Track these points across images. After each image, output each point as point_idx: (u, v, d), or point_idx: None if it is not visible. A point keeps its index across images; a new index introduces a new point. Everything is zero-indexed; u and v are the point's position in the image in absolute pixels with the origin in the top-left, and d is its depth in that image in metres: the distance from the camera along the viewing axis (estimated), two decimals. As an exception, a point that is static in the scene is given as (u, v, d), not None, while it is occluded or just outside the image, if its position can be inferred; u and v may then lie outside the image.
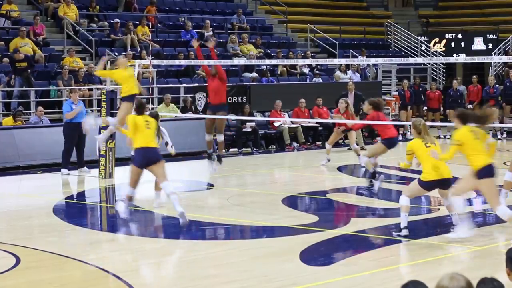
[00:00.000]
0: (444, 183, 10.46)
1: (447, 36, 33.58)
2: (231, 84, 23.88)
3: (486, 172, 10.18)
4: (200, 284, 8.47)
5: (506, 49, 30.82)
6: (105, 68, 16.00)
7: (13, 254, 9.82)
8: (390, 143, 14.87)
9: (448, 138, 25.22)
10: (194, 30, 27.37)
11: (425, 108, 25.61)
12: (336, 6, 36.18)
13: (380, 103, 15.07)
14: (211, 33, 27.53)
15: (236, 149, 21.36)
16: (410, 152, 10.61)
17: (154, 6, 27.80)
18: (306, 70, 27.56)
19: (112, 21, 26.05)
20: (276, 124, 22.48)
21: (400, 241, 10.47)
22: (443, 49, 33.03)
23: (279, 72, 26.98)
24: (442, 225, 11.47)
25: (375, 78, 28.52)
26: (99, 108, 17.74)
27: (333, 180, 16.78)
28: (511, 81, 25.91)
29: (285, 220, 11.85)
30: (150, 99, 23.28)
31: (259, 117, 22.13)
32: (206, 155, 16.07)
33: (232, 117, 20.74)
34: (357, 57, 28.86)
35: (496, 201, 10.29)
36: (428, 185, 10.45)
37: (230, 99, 21.98)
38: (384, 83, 28.50)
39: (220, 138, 15.49)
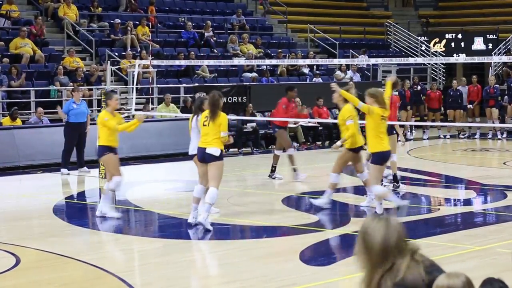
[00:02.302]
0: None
1: (447, 36, 33.58)
2: (231, 84, 23.91)
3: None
4: (200, 284, 8.47)
5: (506, 49, 30.83)
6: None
7: (13, 254, 9.81)
8: None
9: (448, 138, 25.22)
10: (194, 30, 27.37)
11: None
12: (336, 6, 36.19)
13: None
14: (211, 33, 27.54)
15: (236, 149, 21.35)
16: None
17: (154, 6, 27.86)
18: (306, 70, 27.55)
19: (112, 21, 26.04)
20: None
21: (400, 241, 10.45)
22: (443, 49, 33.03)
23: (279, 72, 26.98)
24: (442, 225, 11.47)
25: (375, 78, 28.50)
26: (99, 108, 17.73)
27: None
28: (514, 81, 25.91)
29: (285, 220, 11.84)
30: (150, 99, 23.29)
31: (259, 117, 22.12)
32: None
33: (232, 117, 20.72)
34: (357, 57, 28.84)
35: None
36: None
37: (230, 99, 22.01)
38: (384, 83, 28.45)
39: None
